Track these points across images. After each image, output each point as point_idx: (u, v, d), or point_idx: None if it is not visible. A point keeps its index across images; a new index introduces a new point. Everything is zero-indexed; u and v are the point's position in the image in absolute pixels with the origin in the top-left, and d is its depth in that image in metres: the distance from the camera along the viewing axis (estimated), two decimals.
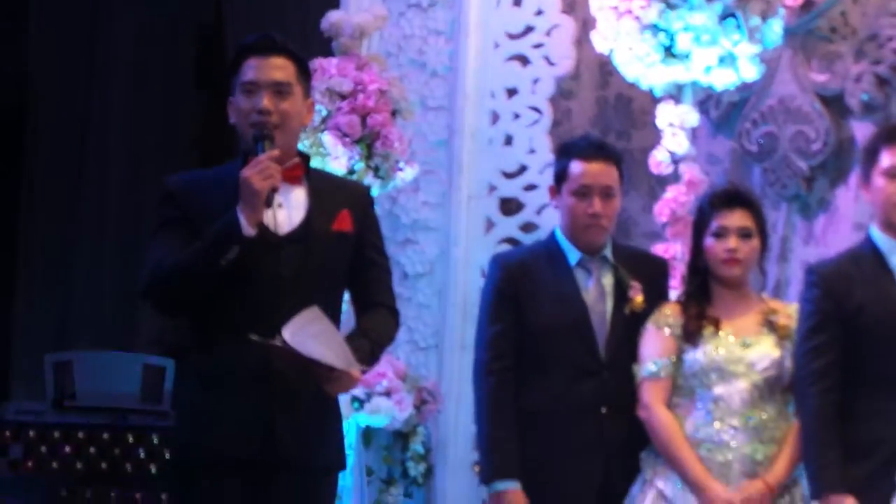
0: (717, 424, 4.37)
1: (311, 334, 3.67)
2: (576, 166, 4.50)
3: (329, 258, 3.88)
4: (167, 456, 7.18)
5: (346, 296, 4.04)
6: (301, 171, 3.90)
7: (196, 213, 3.83)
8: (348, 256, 3.93)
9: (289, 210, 3.85)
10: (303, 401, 3.78)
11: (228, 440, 3.76)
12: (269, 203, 3.74)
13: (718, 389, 4.39)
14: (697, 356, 4.41)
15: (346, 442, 5.62)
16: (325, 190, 3.94)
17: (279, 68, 3.86)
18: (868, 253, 4.39)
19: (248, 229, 3.71)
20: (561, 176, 4.54)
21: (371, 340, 3.89)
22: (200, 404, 3.82)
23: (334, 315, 3.92)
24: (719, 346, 4.41)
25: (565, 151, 4.58)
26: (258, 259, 3.76)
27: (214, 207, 3.77)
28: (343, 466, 4.00)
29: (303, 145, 5.70)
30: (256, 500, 3.81)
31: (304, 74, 3.94)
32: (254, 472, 3.78)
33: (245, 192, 3.71)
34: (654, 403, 4.42)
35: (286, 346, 3.64)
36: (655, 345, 4.45)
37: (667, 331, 4.46)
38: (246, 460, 3.76)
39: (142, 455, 7.46)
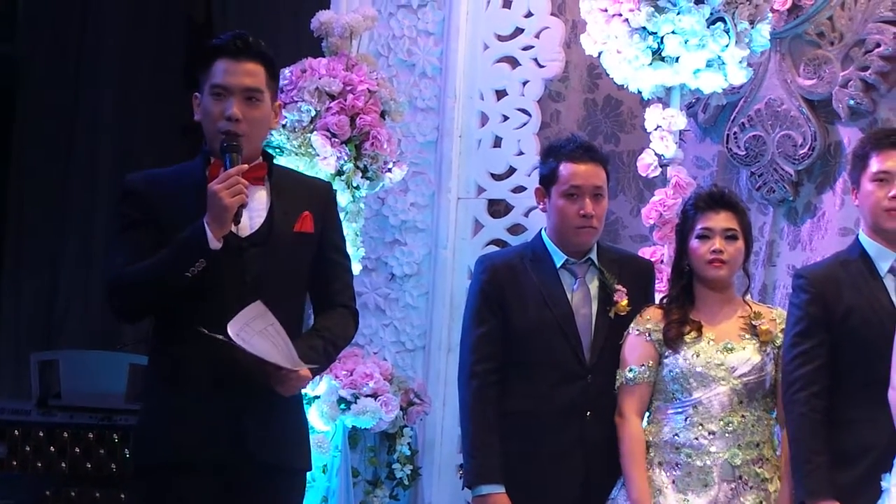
0: (696, 429, 4.37)
1: (256, 331, 3.66)
2: (566, 168, 4.50)
3: (291, 260, 3.88)
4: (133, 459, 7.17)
5: None
6: (264, 171, 3.89)
7: (160, 213, 3.82)
8: (310, 257, 3.93)
9: (250, 212, 3.84)
10: (270, 401, 3.77)
11: (197, 442, 3.74)
12: (237, 220, 3.73)
13: (698, 394, 4.39)
14: (678, 361, 4.41)
15: (333, 443, 5.67)
16: (287, 190, 3.94)
17: (250, 74, 3.84)
18: (856, 258, 4.40)
19: (215, 242, 3.71)
20: (550, 178, 4.54)
21: (325, 340, 3.89)
22: (168, 407, 3.79)
23: (297, 316, 3.93)
24: (700, 352, 4.41)
25: (553, 153, 4.58)
26: (221, 263, 3.75)
27: (177, 210, 3.78)
28: (310, 468, 3.99)
29: (291, 146, 5.71)
30: (226, 501, 3.80)
31: (274, 78, 3.92)
32: (223, 473, 3.76)
33: (214, 206, 3.70)
34: (627, 412, 4.43)
35: (231, 342, 3.62)
36: (635, 350, 4.46)
37: (647, 336, 4.46)
38: (215, 461, 3.75)
39: (126, 455, 7.42)
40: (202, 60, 3.89)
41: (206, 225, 3.70)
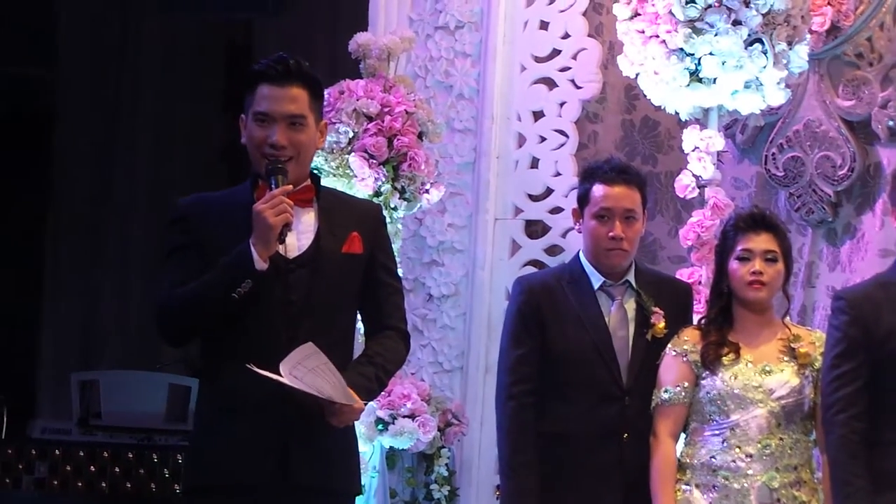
0: (733, 452, 4.35)
1: (308, 368, 3.65)
2: (598, 190, 4.51)
3: (339, 281, 3.86)
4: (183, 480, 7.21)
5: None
6: (312, 193, 3.90)
7: (206, 237, 3.82)
8: (359, 278, 3.91)
9: (298, 233, 3.84)
10: (317, 425, 3.76)
11: (243, 465, 3.75)
12: (282, 239, 3.73)
13: (735, 416, 4.37)
14: (716, 383, 4.40)
15: (371, 464, 5.67)
16: (335, 211, 3.92)
17: (293, 100, 3.83)
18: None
19: (261, 263, 3.71)
20: (583, 199, 4.55)
21: (376, 366, 3.87)
22: (214, 430, 3.81)
23: (347, 337, 3.92)
24: (738, 374, 4.39)
25: (588, 175, 4.59)
26: (268, 284, 3.75)
27: (225, 232, 3.78)
28: (359, 491, 3.99)
29: (329, 167, 5.73)
30: None
31: (318, 98, 3.91)
32: (269, 496, 3.77)
33: (259, 226, 3.71)
34: (661, 433, 4.42)
35: (282, 383, 3.62)
36: (671, 371, 4.45)
37: (683, 357, 4.45)
38: (260, 485, 3.75)
39: (166, 475, 7.47)
40: (245, 84, 3.89)
41: (251, 246, 3.71)
